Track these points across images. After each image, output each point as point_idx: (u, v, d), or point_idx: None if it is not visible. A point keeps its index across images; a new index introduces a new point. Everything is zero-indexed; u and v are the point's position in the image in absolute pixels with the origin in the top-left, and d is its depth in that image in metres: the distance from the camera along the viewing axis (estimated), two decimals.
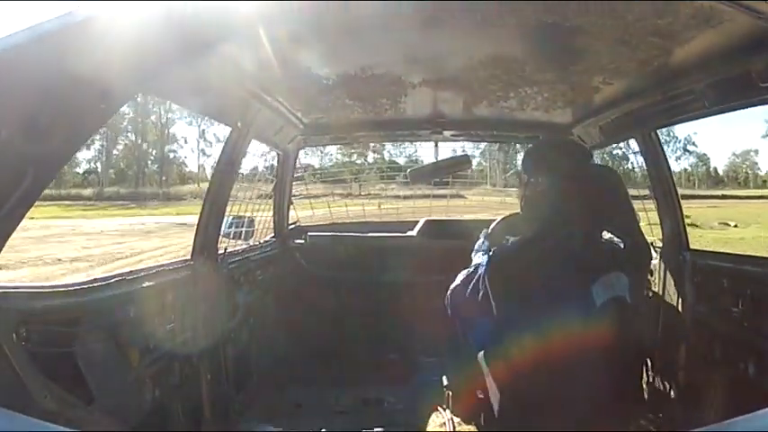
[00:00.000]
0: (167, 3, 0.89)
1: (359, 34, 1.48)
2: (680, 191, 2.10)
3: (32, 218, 11.36)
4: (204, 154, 40.00)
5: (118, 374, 1.40)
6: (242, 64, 1.60)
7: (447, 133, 2.82)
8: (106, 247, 11.56)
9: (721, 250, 2.19)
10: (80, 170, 34.87)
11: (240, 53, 1.50)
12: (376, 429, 1.98)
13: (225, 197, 2.05)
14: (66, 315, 1.24)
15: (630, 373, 1.75)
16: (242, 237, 2.46)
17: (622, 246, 1.47)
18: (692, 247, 2.00)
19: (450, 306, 1.61)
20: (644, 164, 2.13)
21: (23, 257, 9.09)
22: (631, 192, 1.57)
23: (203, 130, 39.18)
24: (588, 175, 1.44)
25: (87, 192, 31.93)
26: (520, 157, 1.83)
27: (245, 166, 2.63)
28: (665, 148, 2.19)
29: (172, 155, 38.93)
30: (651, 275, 2.05)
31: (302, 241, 3.09)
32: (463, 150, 3.24)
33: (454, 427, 1.99)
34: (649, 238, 1.81)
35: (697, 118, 1.76)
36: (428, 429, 2.04)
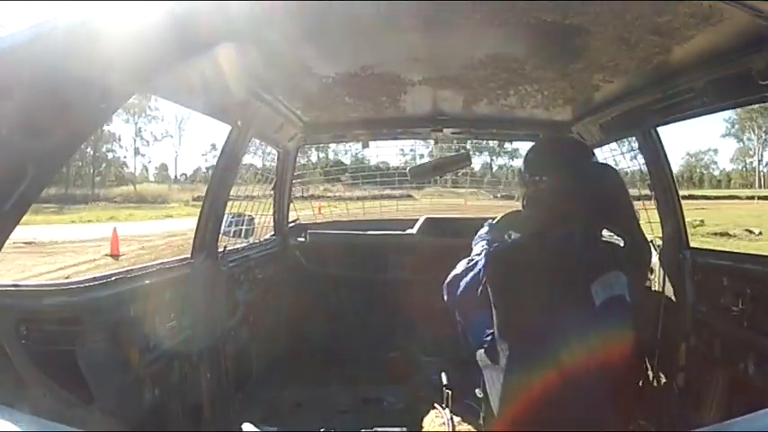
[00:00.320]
0: (167, 3, 0.89)
1: (359, 32, 1.47)
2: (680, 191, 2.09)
3: None
4: (138, 153, 37.77)
5: (118, 373, 1.40)
6: (242, 62, 1.59)
7: (447, 131, 2.81)
8: None
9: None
10: None
11: (240, 52, 1.49)
12: (376, 429, 1.98)
13: (225, 195, 2.05)
14: (67, 314, 1.24)
15: (630, 372, 1.74)
16: (242, 235, 2.46)
17: (622, 244, 1.47)
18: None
19: (447, 292, 1.59)
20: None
21: None
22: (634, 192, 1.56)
23: (140, 128, 37.00)
24: (589, 173, 1.43)
25: None
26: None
27: (245, 165, 2.64)
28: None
29: (110, 154, 36.63)
30: (651, 274, 2.05)
31: (302, 239, 3.09)
32: (458, 150, 3.21)
33: (454, 427, 1.99)
34: (649, 236, 1.80)
35: (697, 116, 1.75)
36: (428, 429, 2.04)
